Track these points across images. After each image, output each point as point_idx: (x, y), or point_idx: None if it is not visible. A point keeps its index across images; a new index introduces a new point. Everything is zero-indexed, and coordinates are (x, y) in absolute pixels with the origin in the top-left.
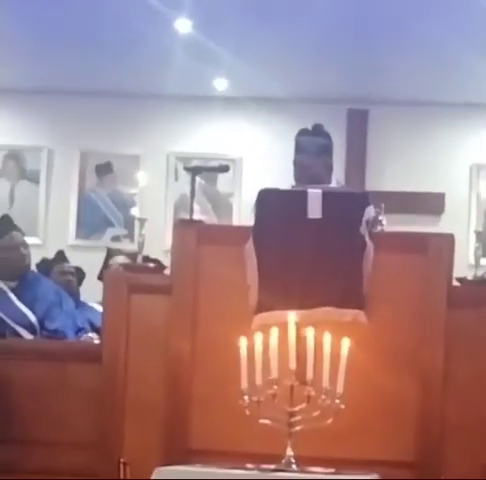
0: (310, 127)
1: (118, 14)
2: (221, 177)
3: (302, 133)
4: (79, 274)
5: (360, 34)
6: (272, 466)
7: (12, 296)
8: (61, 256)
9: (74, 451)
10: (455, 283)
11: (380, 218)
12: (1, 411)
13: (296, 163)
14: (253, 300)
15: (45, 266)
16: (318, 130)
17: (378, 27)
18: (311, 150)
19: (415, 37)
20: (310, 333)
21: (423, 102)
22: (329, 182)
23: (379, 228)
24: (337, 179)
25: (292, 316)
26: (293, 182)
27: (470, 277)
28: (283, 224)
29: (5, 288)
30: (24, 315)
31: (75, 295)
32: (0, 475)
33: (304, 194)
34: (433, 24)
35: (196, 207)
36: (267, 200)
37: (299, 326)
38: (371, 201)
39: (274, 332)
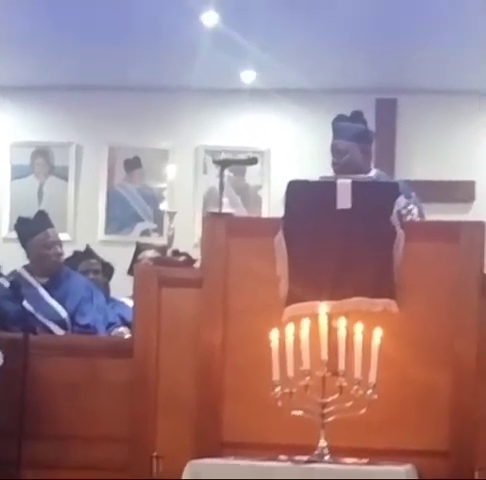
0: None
1: (145, 8)
2: (250, 170)
3: (339, 119)
4: (108, 270)
5: (387, 23)
6: (305, 457)
7: (43, 292)
8: (88, 252)
9: (107, 445)
10: None
11: (410, 207)
12: (33, 407)
13: (332, 148)
14: (284, 291)
15: (74, 261)
16: (356, 116)
17: (404, 15)
18: (348, 135)
19: (443, 25)
20: (341, 323)
21: (452, 90)
22: (368, 169)
23: (409, 217)
24: (377, 170)
25: (323, 307)
26: (323, 173)
27: None
28: (313, 215)
29: (36, 284)
30: (55, 311)
31: (103, 291)
32: (32, 470)
33: (333, 185)
34: (463, 12)
35: (225, 200)
36: (296, 191)
37: (330, 317)
38: (401, 191)
39: (305, 323)
